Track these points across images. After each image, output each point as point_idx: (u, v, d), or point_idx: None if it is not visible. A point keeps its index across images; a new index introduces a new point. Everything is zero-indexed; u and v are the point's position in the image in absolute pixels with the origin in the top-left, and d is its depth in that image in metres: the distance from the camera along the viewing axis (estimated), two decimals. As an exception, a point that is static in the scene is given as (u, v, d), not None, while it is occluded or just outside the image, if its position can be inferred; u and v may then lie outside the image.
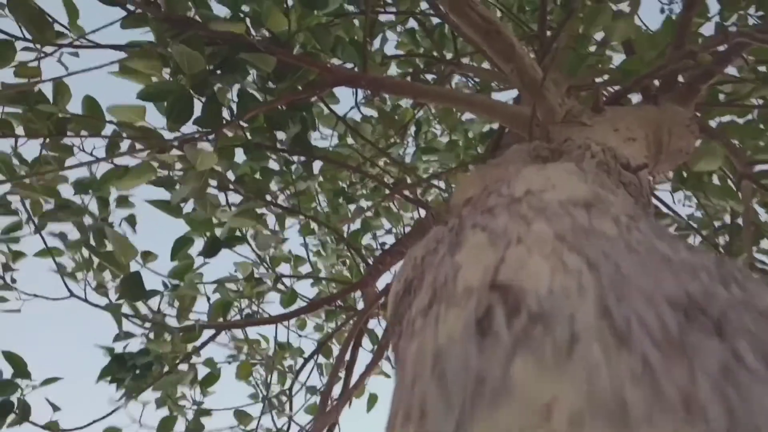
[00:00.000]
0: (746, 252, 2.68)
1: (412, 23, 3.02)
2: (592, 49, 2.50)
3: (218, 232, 2.11)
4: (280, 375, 2.78)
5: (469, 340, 0.33)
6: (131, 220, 2.09)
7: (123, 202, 2.13)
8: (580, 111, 1.29)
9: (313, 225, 2.49)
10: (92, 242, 2.18)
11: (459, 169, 1.84)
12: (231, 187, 2.05)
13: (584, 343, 0.28)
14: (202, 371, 2.54)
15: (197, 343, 2.42)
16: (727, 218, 2.99)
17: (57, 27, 1.86)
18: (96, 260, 2.26)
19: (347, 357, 2.43)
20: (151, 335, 2.12)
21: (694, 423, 0.23)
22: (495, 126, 2.88)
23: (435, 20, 2.92)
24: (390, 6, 2.75)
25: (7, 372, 1.93)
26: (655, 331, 0.29)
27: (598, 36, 2.63)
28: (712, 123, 2.47)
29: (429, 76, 3.09)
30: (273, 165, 2.64)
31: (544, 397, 0.25)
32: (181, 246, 2.04)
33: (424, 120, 3.03)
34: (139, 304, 2.10)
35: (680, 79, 1.97)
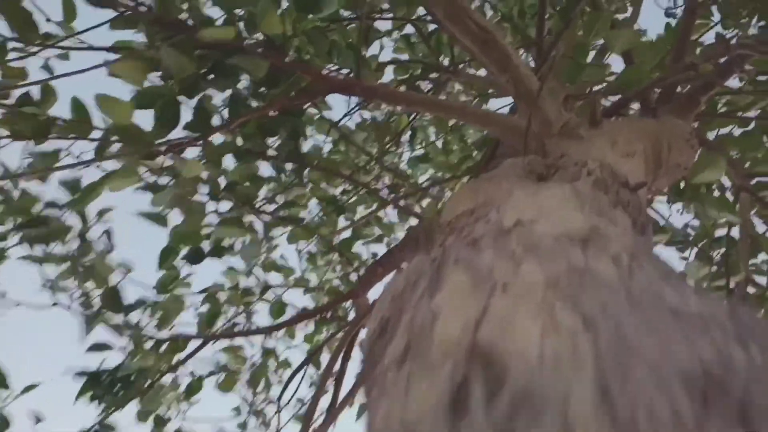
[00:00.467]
0: (742, 266, 2.64)
1: (409, 29, 2.98)
2: (592, 53, 2.46)
3: (206, 240, 2.05)
4: (266, 384, 2.72)
5: (440, 420, 0.27)
6: (109, 234, 2.03)
7: (103, 214, 2.08)
8: (577, 124, 1.23)
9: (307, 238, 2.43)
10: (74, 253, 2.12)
11: (453, 180, 1.79)
12: (220, 194, 1.99)
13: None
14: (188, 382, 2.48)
15: (182, 356, 2.36)
16: (724, 230, 2.94)
17: (49, 27, 1.81)
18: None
19: (337, 368, 2.37)
20: (130, 348, 2.06)
21: None
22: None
23: (432, 26, 2.87)
24: (386, 12, 2.70)
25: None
26: (666, 424, 0.23)
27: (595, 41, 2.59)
28: (710, 134, 2.43)
29: (425, 83, 3.04)
30: (264, 172, 2.58)
31: None
32: (167, 255, 1.98)
33: (420, 127, 2.97)
34: (120, 316, 2.04)
35: (679, 89, 1.93)
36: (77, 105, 1.84)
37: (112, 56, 1.84)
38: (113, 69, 1.80)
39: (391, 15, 2.63)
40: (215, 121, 1.94)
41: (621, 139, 1.18)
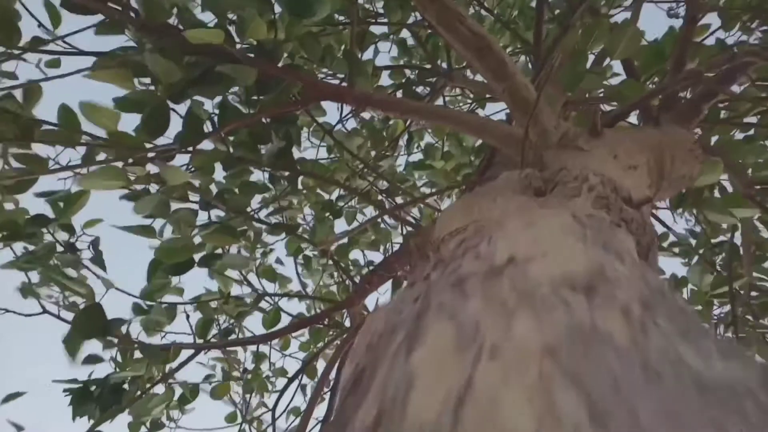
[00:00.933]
0: (746, 273, 2.57)
1: (405, 33, 2.92)
2: (591, 57, 2.39)
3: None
4: (259, 388, 2.66)
5: None
6: (96, 244, 1.96)
7: (90, 225, 2.01)
8: (576, 134, 1.17)
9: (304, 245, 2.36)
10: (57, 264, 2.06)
11: (449, 189, 1.72)
12: (211, 203, 1.93)
13: None
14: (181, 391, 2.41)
15: (175, 364, 2.29)
16: (725, 236, 2.88)
17: (36, 32, 1.75)
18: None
19: (332, 378, 2.30)
20: (119, 358, 1.99)
21: None
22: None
23: (429, 30, 2.81)
24: (382, 16, 2.64)
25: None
26: None
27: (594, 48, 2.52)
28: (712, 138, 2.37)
29: (422, 88, 2.98)
30: (256, 179, 2.51)
31: None
32: (156, 269, 1.92)
33: (417, 131, 2.91)
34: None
35: (681, 95, 1.86)
36: (66, 112, 1.77)
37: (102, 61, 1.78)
38: (93, 76, 1.73)
39: (386, 20, 2.57)
40: (206, 128, 1.88)
41: (623, 151, 1.12)
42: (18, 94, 1.71)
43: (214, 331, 2.56)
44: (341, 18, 2.32)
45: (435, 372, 0.32)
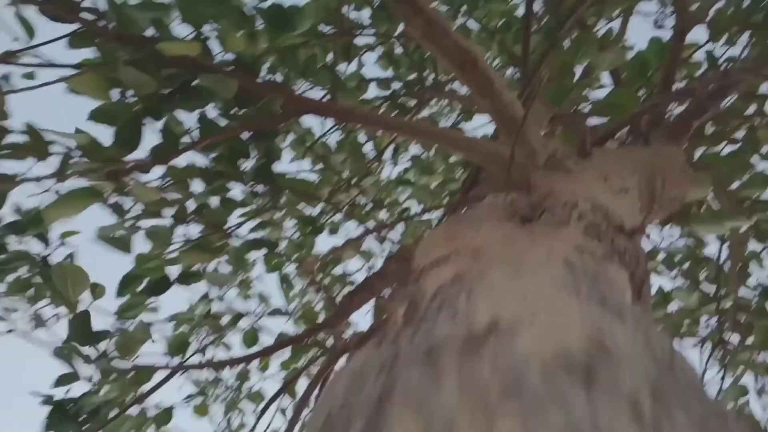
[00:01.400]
0: (732, 292, 2.53)
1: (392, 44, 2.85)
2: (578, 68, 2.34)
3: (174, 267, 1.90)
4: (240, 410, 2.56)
5: None
6: (72, 258, 1.87)
7: (66, 235, 1.92)
8: (564, 155, 1.11)
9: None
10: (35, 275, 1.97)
11: (434, 207, 1.66)
12: (188, 219, 1.84)
13: None
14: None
15: (150, 385, 2.20)
16: (709, 249, 2.84)
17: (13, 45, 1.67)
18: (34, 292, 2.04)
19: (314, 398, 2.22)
20: (97, 377, 1.90)
21: None
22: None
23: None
24: (368, 27, 2.57)
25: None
26: None
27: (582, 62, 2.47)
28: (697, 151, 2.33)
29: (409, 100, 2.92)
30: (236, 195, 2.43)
31: None
32: (128, 283, 1.83)
33: (402, 143, 2.84)
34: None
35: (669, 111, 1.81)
36: (31, 129, 1.68)
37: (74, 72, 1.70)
38: (72, 84, 1.65)
39: (373, 31, 2.51)
40: (185, 141, 1.80)
41: (613, 173, 1.06)
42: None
43: (195, 347, 2.47)
44: (327, 29, 2.26)
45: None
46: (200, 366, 2.08)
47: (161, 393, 2.37)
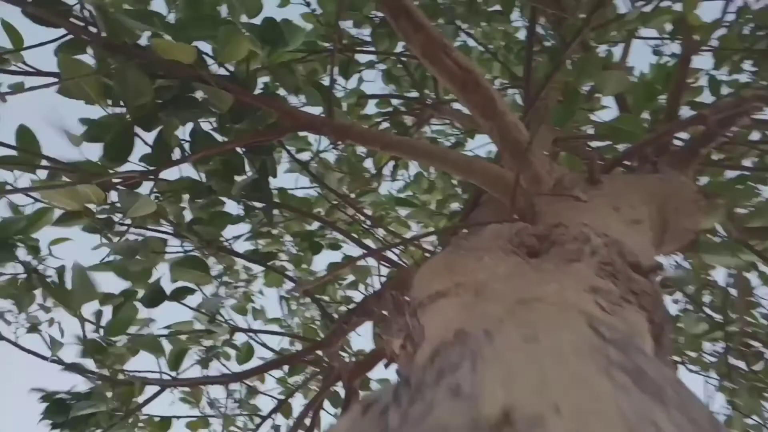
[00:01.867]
0: (739, 321, 2.43)
1: (393, 61, 2.78)
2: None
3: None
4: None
5: None
6: (61, 272, 1.78)
7: (56, 242, 1.83)
8: (572, 182, 1.02)
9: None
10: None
11: (432, 235, 1.57)
12: (179, 234, 1.75)
13: None
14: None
15: (141, 399, 2.09)
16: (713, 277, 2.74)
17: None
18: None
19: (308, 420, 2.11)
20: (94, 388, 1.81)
21: None
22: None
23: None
24: (368, 44, 2.50)
25: None
26: None
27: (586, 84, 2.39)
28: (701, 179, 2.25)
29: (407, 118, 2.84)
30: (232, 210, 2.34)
31: None
32: (126, 300, 1.73)
33: (401, 161, 2.76)
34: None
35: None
36: (24, 133, 1.59)
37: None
38: (65, 92, 1.57)
39: (372, 48, 2.44)
40: (177, 154, 1.72)
41: (624, 203, 0.97)
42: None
43: (190, 362, 2.37)
44: (326, 44, 2.18)
45: None
46: (192, 383, 1.98)
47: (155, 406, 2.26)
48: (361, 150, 2.61)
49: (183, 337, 2.23)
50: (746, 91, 1.31)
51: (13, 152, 1.55)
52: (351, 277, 2.21)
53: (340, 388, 2.18)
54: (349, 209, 2.06)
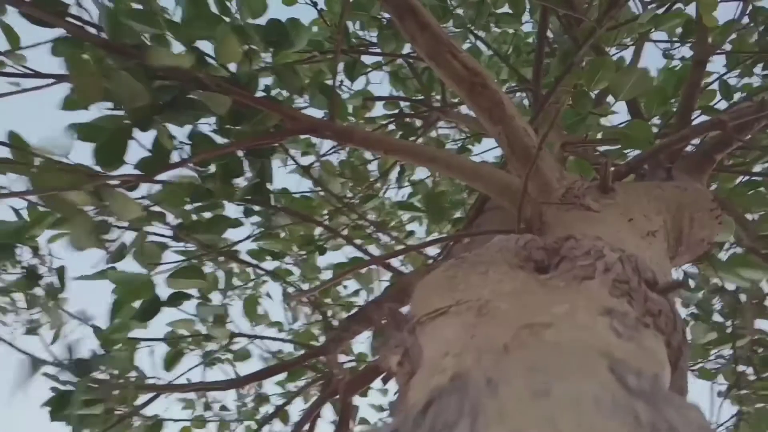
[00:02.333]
0: (748, 330, 2.35)
1: (400, 63, 2.72)
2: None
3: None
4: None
5: None
6: (61, 273, 1.73)
7: (55, 240, 1.78)
8: (583, 190, 0.96)
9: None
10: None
11: (437, 243, 1.51)
12: (175, 237, 1.70)
13: None
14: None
15: (139, 402, 2.04)
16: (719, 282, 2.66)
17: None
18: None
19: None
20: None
21: None
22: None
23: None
24: (375, 45, 2.44)
25: None
26: None
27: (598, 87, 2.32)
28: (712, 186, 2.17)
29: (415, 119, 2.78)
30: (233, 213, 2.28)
31: None
32: (119, 309, 1.68)
33: (408, 165, 2.70)
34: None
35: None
36: (15, 138, 1.54)
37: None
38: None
39: (379, 50, 2.38)
40: (176, 157, 1.66)
41: (638, 213, 0.91)
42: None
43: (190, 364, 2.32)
44: (331, 45, 2.13)
45: None
46: (188, 389, 1.93)
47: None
48: (367, 153, 2.56)
49: (183, 336, 2.19)
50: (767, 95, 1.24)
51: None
52: (353, 283, 2.15)
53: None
54: (352, 213, 2.00)
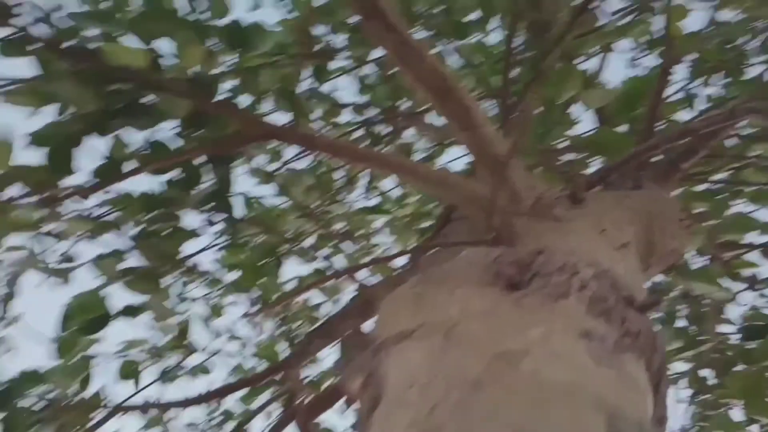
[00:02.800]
0: (711, 336, 2.37)
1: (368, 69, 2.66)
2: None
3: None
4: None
5: None
6: (12, 282, 1.62)
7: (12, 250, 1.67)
8: (553, 200, 0.92)
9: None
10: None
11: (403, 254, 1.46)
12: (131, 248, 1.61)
13: None
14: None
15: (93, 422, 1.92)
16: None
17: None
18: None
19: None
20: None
21: None
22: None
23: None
24: (343, 51, 2.38)
25: None
26: None
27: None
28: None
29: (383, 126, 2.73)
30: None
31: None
32: (68, 323, 1.57)
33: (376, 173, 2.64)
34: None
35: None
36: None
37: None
38: (9, 99, 1.42)
39: (347, 54, 2.32)
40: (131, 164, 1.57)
41: (609, 223, 0.87)
42: None
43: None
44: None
45: None
46: (142, 408, 1.82)
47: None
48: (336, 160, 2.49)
49: (138, 352, 2.08)
50: (736, 103, 1.23)
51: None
52: (318, 296, 2.08)
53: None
54: (316, 223, 1.93)
